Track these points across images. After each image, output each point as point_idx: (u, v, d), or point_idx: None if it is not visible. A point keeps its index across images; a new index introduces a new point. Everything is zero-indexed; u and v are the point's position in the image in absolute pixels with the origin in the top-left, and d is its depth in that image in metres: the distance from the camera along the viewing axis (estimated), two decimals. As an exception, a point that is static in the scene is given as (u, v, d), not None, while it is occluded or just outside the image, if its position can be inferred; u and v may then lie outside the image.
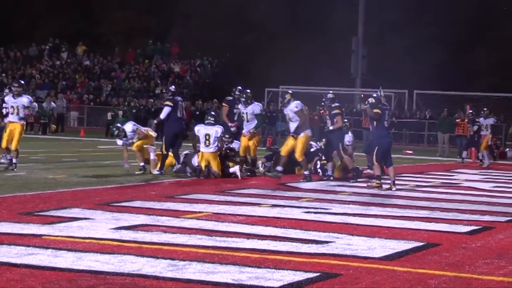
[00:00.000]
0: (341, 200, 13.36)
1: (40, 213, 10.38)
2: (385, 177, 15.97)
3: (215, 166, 16.34)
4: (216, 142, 16.33)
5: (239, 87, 18.06)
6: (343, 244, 8.86)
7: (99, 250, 8.01)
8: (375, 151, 15.59)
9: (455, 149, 30.46)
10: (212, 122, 16.63)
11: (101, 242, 8.45)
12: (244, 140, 17.34)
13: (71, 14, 54.26)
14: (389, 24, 47.92)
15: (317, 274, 7.28)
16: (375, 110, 15.45)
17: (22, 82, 18.02)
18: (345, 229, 9.96)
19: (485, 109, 26.17)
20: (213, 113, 17.38)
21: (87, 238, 8.63)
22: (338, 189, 15.33)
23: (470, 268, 7.89)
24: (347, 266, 7.71)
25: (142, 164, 17.02)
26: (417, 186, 16.79)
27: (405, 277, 7.37)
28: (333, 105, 17.18)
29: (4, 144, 16.59)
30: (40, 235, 8.71)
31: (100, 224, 9.59)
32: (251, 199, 13.03)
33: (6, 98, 17.07)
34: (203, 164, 16.35)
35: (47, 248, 7.99)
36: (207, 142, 16.33)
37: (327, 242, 8.95)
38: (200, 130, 16.56)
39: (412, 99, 41.36)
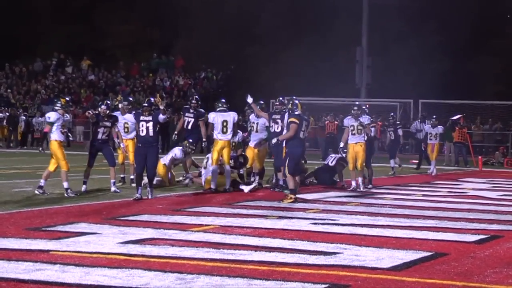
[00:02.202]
0: (349, 211, 13.34)
1: (47, 229, 10.38)
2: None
3: (226, 154, 16.18)
4: (232, 129, 16.24)
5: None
6: (351, 255, 8.84)
7: (107, 264, 8.01)
8: (287, 162, 14.71)
9: (462, 158, 30.42)
10: (225, 108, 16.42)
11: (109, 257, 8.45)
12: (251, 151, 17.36)
13: (75, 29, 54.35)
14: (393, 34, 47.90)
15: (326, 285, 7.27)
16: (292, 119, 14.86)
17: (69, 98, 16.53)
18: (353, 240, 9.94)
19: (434, 117, 25.51)
20: (223, 100, 17.07)
21: (95, 253, 8.63)
22: (345, 200, 15.30)
23: (478, 277, 7.87)
24: (355, 277, 7.69)
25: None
26: (424, 195, 16.75)
27: (413, 287, 7.36)
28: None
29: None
30: (48, 251, 8.71)
31: (108, 239, 9.59)
32: (258, 211, 13.02)
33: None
34: (215, 155, 16.09)
35: (54, 263, 7.99)
36: (225, 129, 16.18)
37: (335, 253, 8.93)
38: (216, 117, 16.30)
39: (417, 109, 41.30)
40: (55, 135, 15.00)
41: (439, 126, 24.48)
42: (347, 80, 45.64)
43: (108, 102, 16.82)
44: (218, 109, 16.47)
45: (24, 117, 38.40)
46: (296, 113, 15.01)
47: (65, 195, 14.80)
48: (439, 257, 8.85)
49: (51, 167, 15.08)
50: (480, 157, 29.35)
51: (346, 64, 46.63)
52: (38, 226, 10.58)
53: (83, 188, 15.66)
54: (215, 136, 16.31)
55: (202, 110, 18.04)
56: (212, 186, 16.09)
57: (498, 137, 37.45)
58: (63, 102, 15.48)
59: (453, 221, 12.16)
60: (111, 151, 16.08)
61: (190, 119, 17.81)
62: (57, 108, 15.31)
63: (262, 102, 17.82)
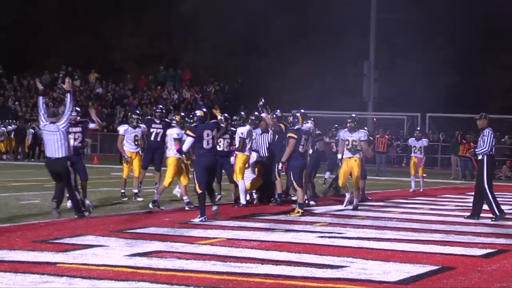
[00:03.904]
0: (356, 224, 13.32)
1: (54, 241, 10.39)
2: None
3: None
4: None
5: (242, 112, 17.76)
6: (358, 268, 8.82)
7: (114, 277, 8.01)
8: (292, 177, 14.62)
9: (468, 171, 30.36)
10: (174, 124, 15.72)
11: (116, 269, 8.45)
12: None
13: (83, 42, 54.59)
14: (400, 48, 48.01)
15: (332, 299, 7.26)
16: (290, 134, 14.81)
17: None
18: (360, 253, 9.93)
19: (418, 129, 24.35)
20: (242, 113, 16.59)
21: (102, 266, 8.63)
22: (352, 213, 15.28)
23: (486, 291, 7.85)
24: (362, 290, 7.68)
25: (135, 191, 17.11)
26: (432, 209, 16.71)
27: (421, 301, 7.34)
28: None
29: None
30: (55, 263, 8.71)
31: (115, 251, 9.59)
32: (264, 224, 13.00)
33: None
34: (242, 170, 15.74)
35: (61, 276, 8.00)
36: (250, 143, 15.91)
37: (342, 266, 8.92)
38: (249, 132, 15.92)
39: (425, 123, 41.33)
40: (173, 151, 15.08)
41: (423, 139, 22.85)
42: (354, 93, 45.73)
43: (78, 108, 15.72)
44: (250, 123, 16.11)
45: (32, 130, 38.48)
46: (296, 127, 15.01)
47: (150, 206, 14.90)
48: (446, 271, 8.83)
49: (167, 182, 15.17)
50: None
51: (354, 77, 46.72)
52: (45, 238, 10.59)
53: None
54: (238, 152, 15.83)
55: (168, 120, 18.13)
56: (242, 201, 15.74)
57: (506, 151, 37.40)
58: (178, 118, 15.58)
59: (460, 235, 12.13)
60: (83, 165, 15.00)
61: (158, 130, 17.46)
62: (173, 125, 15.40)
63: (278, 111, 17.41)
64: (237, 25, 50.63)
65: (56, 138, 12.97)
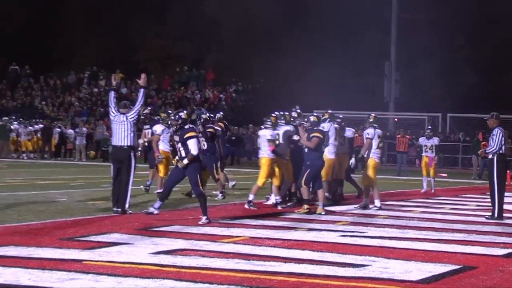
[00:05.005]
0: (377, 224, 13.38)
1: (80, 239, 10.53)
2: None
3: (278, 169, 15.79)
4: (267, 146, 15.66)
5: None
6: (379, 267, 8.89)
7: (139, 274, 8.13)
8: (306, 174, 14.66)
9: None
10: (268, 125, 15.78)
11: (141, 267, 8.56)
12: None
13: (108, 42, 54.91)
14: (421, 48, 47.88)
15: (354, 297, 7.33)
16: (315, 134, 14.82)
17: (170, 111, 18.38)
18: (382, 252, 10.00)
19: (429, 127, 23.75)
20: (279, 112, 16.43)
21: (127, 263, 8.75)
22: (374, 212, 15.34)
23: (506, 290, 7.90)
24: (383, 289, 7.75)
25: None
26: (453, 209, 16.73)
27: (441, 299, 7.40)
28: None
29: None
30: (81, 260, 8.85)
31: (139, 249, 9.72)
32: (287, 223, 13.10)
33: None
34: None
35: (88, 273, 8.12)
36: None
37: (363, 265, 8.99)
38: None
39: (445, 123, 41.18)
40: (267, 152, 15.34)
41: (434, 138, 22.10)
42: (375, 94, 45.67)
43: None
44: (280, 124, 16.06)
45: (58, 129, 38.86)
46: (320, 127, 15.23)
47: (246, 206, 15.26)
48: (467, 271, 8.87)
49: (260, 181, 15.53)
50: (508, 171, 29.09)
51: (375, 78, 46.66)
52: (71, 236, 10.74)
53: None
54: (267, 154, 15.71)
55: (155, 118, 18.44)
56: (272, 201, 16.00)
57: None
58: (273, 120, 15.74)
59: (482, 235, 12.16)
60: None
61: (146, 131, 18.09)
62: (268, 125, 15.59)
63: (297, 107, 17.45)
64: (260, 25, 50.70)
65: (124, 128, 13.85)
